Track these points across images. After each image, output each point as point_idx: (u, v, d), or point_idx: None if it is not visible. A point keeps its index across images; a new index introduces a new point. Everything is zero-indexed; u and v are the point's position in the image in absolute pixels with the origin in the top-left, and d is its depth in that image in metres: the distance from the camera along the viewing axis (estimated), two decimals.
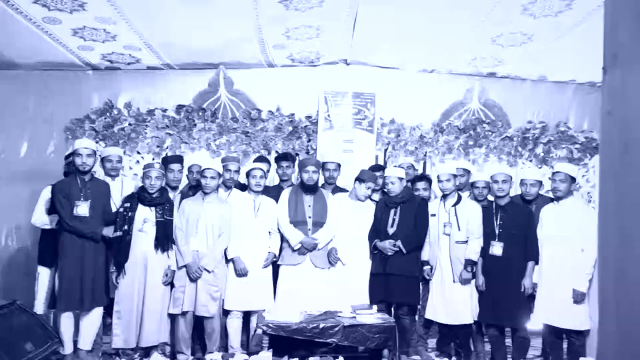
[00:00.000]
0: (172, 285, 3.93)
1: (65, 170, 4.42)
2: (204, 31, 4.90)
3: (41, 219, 4.17)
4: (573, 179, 4.02)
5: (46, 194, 4.25)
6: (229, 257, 4.08)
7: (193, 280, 3.88)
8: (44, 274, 4.16)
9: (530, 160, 5.85)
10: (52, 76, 5.90)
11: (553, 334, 3.95)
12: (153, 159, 5.76)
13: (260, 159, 5.10)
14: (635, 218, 0.62)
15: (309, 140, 5.82)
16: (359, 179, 4.37)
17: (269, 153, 5.77)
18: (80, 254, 3.71)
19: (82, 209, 3.72)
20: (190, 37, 5.06)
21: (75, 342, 3.84)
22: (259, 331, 3.63)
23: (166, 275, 3.87)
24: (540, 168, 5.75)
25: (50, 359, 3.64)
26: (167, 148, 5.79)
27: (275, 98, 5.88)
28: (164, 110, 5.81)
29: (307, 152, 5.77)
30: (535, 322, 4.03)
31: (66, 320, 3.72)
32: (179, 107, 5.83)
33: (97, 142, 5.56)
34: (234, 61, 5.74)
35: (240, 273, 4.06)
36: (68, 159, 4.46)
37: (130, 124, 5.75)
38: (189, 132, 5.77)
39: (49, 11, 4.39)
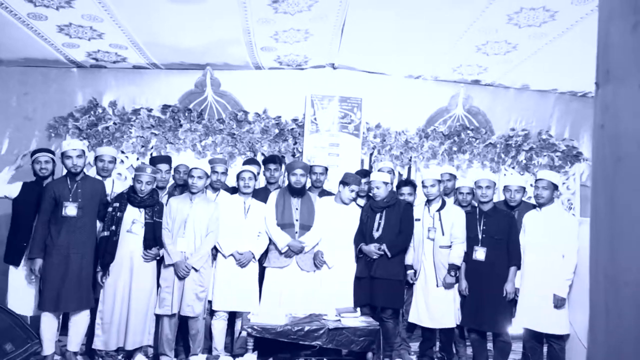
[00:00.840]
0: (157, 285, 3.89)
1: (33, 170, 4.25)
2: (192, 31, 4.88)
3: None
4: (555, 187, 4.11)
5: (17, 186, 4.17)
6: (226, 255, 4.07)
7: (181, 278, 3.86)
8: (14, 273, 4.08)
9: (513, 167, 5.95)
10: (35, 73, 5.82)
11: (533, 339, 4.02)
12: (137, 159, 5.73)
13: (250, 161, 5.11)
14: (625, 227, 0.65)
15: (295, 143, 5.83)
16: (343, 182, 4.40)
17: (255, 155, 5.78)
18: (66, 253, 3.65)
19: (70, 209, 3.69)
20: (178, 37, 5.03)
21: (56, 343, 3.78)
22: (244, 333, 3.63)
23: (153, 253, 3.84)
24: (522, 175, 5.85)
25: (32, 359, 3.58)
26: (152, 148, 5.75)
27: (262, 100, 5.87)
28: (150, 110, 5.77)
29: (293, 155, 5.79)
30: (516, 327, 4.11)
31: (47, 321, 3.66)
32: (165, 107, 5.79)
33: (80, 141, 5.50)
34: (221, 62, 5.73)
35: (241, 263, 4.07)
36: (34, 156, 4.28)
37: (115, 123, 5.70)
38: (175, 133, 5.73)
39: (34, 7, 4.33)
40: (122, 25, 4.71)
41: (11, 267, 4.10)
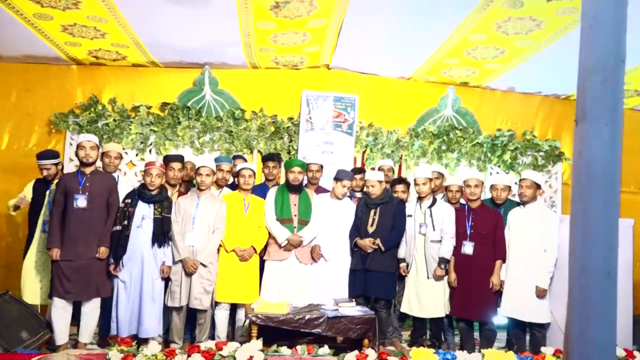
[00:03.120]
0: (168, 278, 4.09)
1: (41, 169, 4.48)
2: (194, 33, 5.04)
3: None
4: (538, 185, 4.39)
5: (29, 187, 4.51)
6: (228, 250, 4.26)
7: (189, 274, 4.06)
8: (27, 265, 4.29)
9: (499, 166, 6.22)
10: (36, 69, 5.92)
11: (517, 327, 4.32)
12: (137, 155, 5.89)
13: (237, 157, 5.31)
14: (595, 229, 0.88)
15: (290, 141, 6.02)
16: (336, 178, 4.63)
17: (252, 152, 5.97)
18: (75, 244, 3.80)
19: (79, 202, 3.85)
20: (179, 38, 5.19)
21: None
22: (247, 322, 3.85)
23: (162, 271, 4.02)
24: (507, 173, 6.12)
25: (43, 348, 3.75)
26: (151, 145, 5.90)
27: (258, 99, 6.05)
28: (149, 107, 5.90)
29: (289, 152, 5.98)
30: (501, 317, 4.39)
31: (59, 312, 3.81)
32: (164, 105, 5.94)
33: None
34: (219, 62, 5.89)
35: (243, 259, 4.27)
36: (38, 161, 4.49)
37: (114, 120, 5.83)
38: (174, 130, 5.88)
39: (41, 7, 4.46)
40: (125, 26, 4.85)
41: (25, 260, 4.30)
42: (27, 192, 4.49)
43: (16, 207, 4.54)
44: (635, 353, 3.85)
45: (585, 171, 0.89)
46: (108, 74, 6.01)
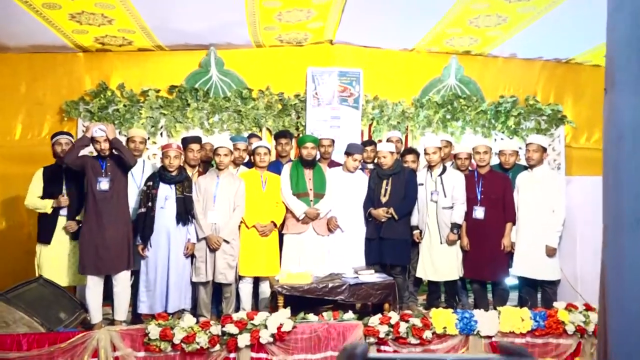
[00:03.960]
0: (192, 256, 4.27)
1: (54, 152, 4.52)
2: (200, 14, 5.09)
3: (33, 202, 4.37)
4: (544, 149, 4.53)
5: (38, 177, 4.44)
6: (249, 226, 4.42)
7: (213, 250, 4.23)
8: (45, 251, 4.39)
9: (503, 132, 6.35)
10: (42, 58, 5.97)
11: (528, 285, 4.52)
12: (148, 139, 5.98)
13: (252, 135, 5.42)
14: (624, 179, 1.03)
15: (298, 117, 6.13)
16: (347, 153, 4.76)
17: (260, 130, 6.08)
18: (100, 222, 3.96)
19: (104, 184, 4.00)
20: (185, 21, 5.25)
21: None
22: (270, 292, 4.03)
23: (187, 248, 4.20)
24: (511, 139, 6.25)
25: (79, 327, 3.93)
26: (161, 128, 6.01)
27: (264, 77, 6.13)
28: (157, 91, 5.98)
29: (297, 129, 6.10)
30: (512, 277, 4.59)
31: (92, 291, 3.99)
32: (172, 88, 6.02)
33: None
34: (224, 42, 5.94)
35: (264, 234, 4.42)
36: (55, 138, 4.57)
37: (124, 105, 5.91)
38: (183, 112, 5.98)
39: None
40: (132, 11, 4.90)
41: (42, 247, 4.40)
42: (37, 182, 4.42)
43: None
44: None
45: (615, 132, 1.03)
46: (115, 60, 6.07)
